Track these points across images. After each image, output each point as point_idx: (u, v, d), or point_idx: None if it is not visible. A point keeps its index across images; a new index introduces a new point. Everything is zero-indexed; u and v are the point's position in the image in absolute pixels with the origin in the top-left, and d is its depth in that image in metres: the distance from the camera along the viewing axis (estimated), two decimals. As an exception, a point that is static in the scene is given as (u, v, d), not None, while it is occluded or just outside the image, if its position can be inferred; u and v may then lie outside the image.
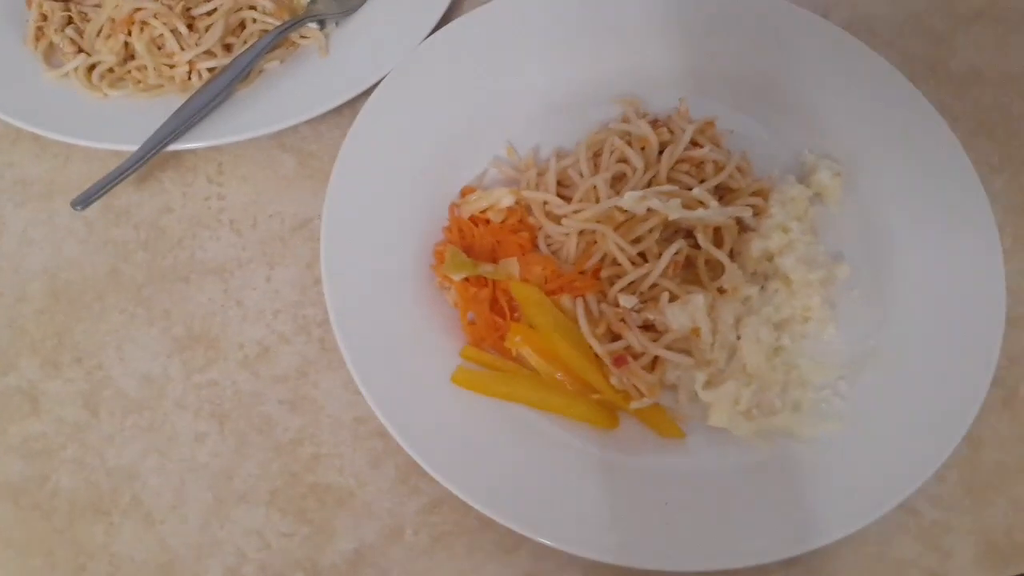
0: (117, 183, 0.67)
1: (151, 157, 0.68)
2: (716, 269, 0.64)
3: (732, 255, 0.64)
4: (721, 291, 0.63)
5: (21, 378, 0.62)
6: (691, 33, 0.75)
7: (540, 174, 0.67)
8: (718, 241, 0.64)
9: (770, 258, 0.64)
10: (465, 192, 0.68)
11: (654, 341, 0.60)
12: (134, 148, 0.68)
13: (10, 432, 0.60)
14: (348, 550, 0.57)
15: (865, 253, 0.67)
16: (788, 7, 0.76)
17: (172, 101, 0.70)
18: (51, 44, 0.73)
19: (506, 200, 0.65)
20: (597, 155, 0.67)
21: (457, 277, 0.62)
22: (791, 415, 0.60)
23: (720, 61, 0.74)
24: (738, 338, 0.61)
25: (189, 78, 0.72)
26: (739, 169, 0.66)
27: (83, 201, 0.65)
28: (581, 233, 0.64)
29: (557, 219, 0.65)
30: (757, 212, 0.65)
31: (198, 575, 0.56)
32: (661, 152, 0.66)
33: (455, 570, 0.57)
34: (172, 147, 0.68)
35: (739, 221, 0.65)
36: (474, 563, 0.57)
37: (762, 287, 0.64)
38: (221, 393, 0.62)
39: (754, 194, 0.66)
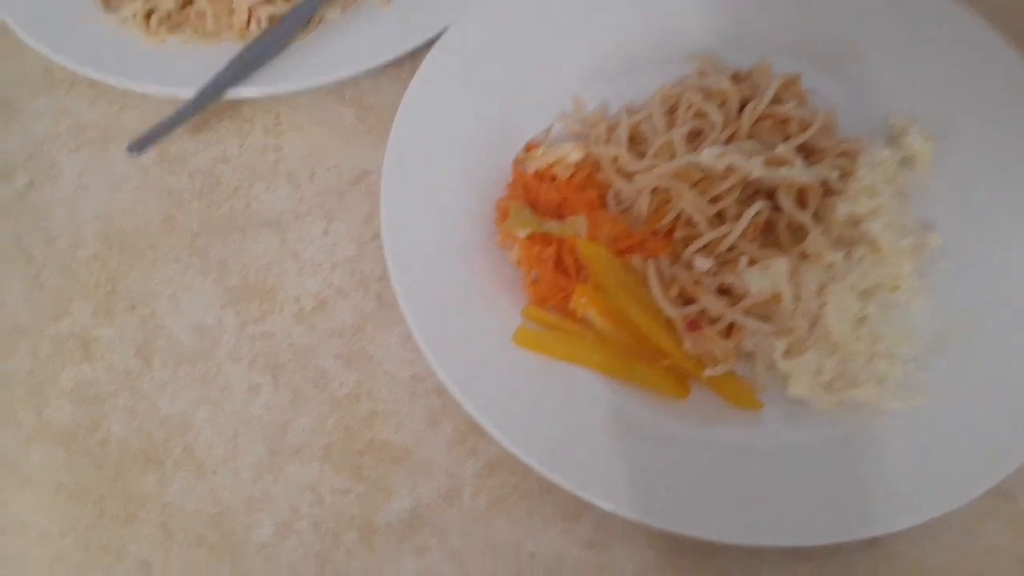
0: (173, 129, 0.65)
1: (208, 104, 0.66)
2: (798, 233, 0.60)
3: (816, 219, 0.60)
4: (804, 256, 0.59)
5: (74, 323, 0.61)
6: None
7: (610, 129, 0.64)
8: (801, 203, 0.60)
9: (856, 223, 0.60)
10: (530, 147, 0.65)
11: (731, 306, 0.57)
12: (191, 95, 0.66)
13: (62, 377, 0.59)
14: (404, 509, 0.55)
15: (957, 223, 0.63)
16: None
17: (230, 48, 0.68)
18: (110, -12, 0.71)
19: (574, 155, 0.62)
20: (672, 110, 0.64)
21: (521, 234, 0.59)
22: (876, 388, 0.56)
23: (800, 17, 0.70)
24: (822, 306, 0.58)
25: (248, 25, 0.70)
26: (825, 128, 0.62)
27: (138, 146, 0.63)
28: (654, 191, 0.60)
29: (628, 176, 0.62)
30: (844, 174, 0.61)
31: (249, 528, 0.54)
32: (742, 108, 0.63)
33: (514, 535, 0.54)
34: (229, 95, 0.66)
35: (824, 183, 0.61)
36: (533, 528, 0.54)
37: (847, 254, 0.59)
38: (276, 345, 0.60)
39: (841, 155, 0.62)
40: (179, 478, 0.56)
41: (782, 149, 0.59)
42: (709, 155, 0.58)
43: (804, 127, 0.62)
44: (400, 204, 0.61)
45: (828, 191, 0.61)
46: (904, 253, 0.58)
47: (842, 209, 0.60)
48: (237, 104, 0.70)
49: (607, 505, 0.51)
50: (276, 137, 0.69)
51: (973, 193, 0.63)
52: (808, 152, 0.62)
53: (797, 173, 0.59)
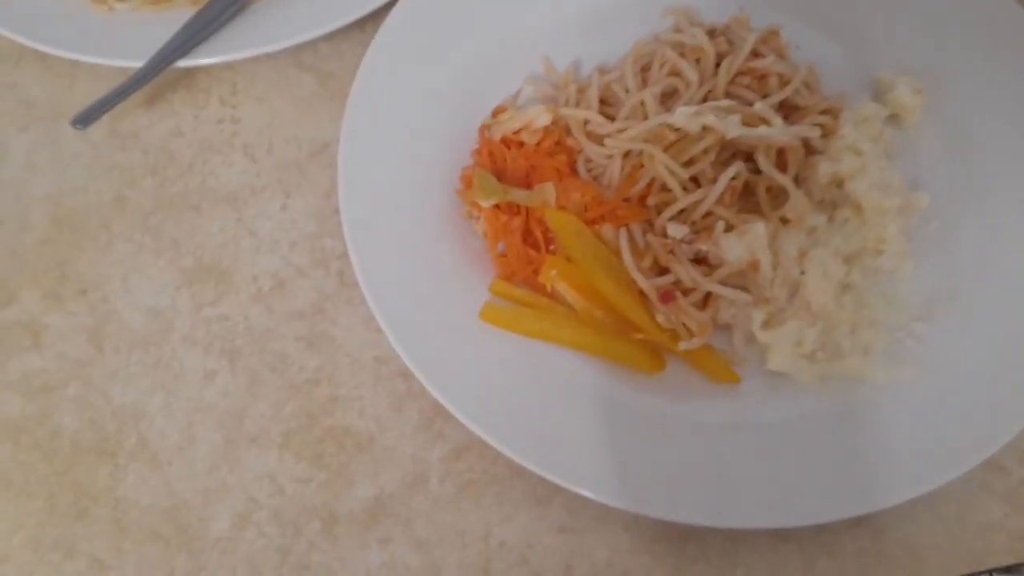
0: (121, 100, 0.62)
1: (158, 73, 0.62)
2: (778, 196, 0.57)
3: (797, 181, 0.57)
4: (784, 221, 0.56)
5: (22, 311, 0.58)
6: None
7: (580, 91, 0.61)
8: (781, 164, 0.57)
9: (840, 184, 0.57)
10: (497, 112, 0.61)
11: (707, 276, 0.54)
12: (141, 65, 0.62)
13: (9, 368, 0.57)
14: (368, 498, 0.52)
15: (946, 181, 0.59)
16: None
17: (182, 14, 0.65)
18: (54, -46, 0.68)
19: (542, 119, 0.58)
20: (645, 69, 0.60)
21: (486, 203, 0.56)
22: (860, 359, 0.53)
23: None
24: (802, 273, 0.54)
25: (200, -10, 0.66)
26: (806, 84, 0.59)
27: (84, 119, 0.60)
28: (626, 155, 0.57)
29: (599, 139, 0.58)
30: (826, 133, 0.58)
31: (206, 521, 0.52)
32: (718, 66, 0.59)
33: (483, 521, 0.52)
34: (182, 63, 0.63)
35: (805, 143, 0.57)
36: (503, 514, 0.52)
37: (830, 217, 0.56)
38: (232, 328, 0.57)
39: (823, 112, 0.59)
40: (132, 470, 0.53)
41: (760, 107, 0.56)
42: (683, 115, 0.55)
43: (784, 83, 0.58)
44: (359, 176, 0.57)
45: (810, 151, 0.58)
46: (889, 214, 0.55)
47: (824, 169, 0.57)
48: (192, 73, 0.66)
49: (580, 490, 0.49)
50: (233, 108, 0.65)
51: (964, 150, 0.60)
52: (788, 110, 0.59)
53: (776, 132, 0.55)
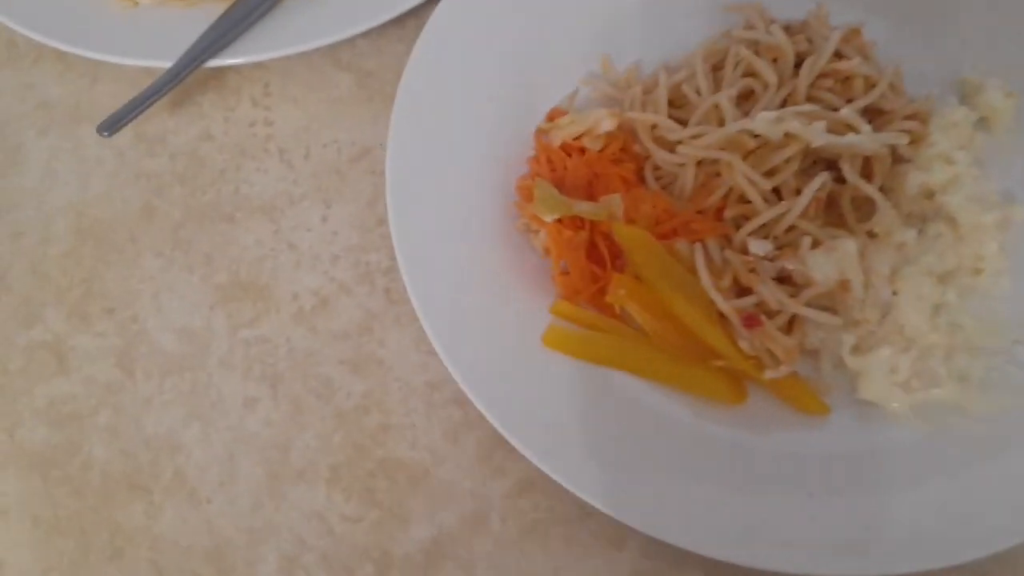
0: (149, 105, 0.57)
1: (187, 75, 0.58)
2: (864, 208, 0.52)
3: (883, 191, 0.53)
4: (871, 235, 0.52)
5: (47, 331, 0.54)
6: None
7: (646, 92, 0.56)
8: (867, 174, 0.53)
9: (930, 195, 0.53)
10: (553, 115, 0.57)
11: (792, 296, 0.50)
12: (167, 65, 0.58)
13: (36, 393, 0.53)
14: (425, 539, 0.48)
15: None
16: None
17: (211, 10, 0.60)
18: (73, -56, 0.63)
19: (606, 123, 0.54)
20: (717, 68, 0.56)
21: (548, 218, 0.51)
22: (958, 387, 0.49)
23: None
24: (894, 293, 0.50)
25: (232, -17, 0.62)
26: (892, 87, 0.54)
27: (110, 126, 0.56)
28: (700, 163, 0.53)
29: (670, 146, 0.54)
30: (914, 139, 0.53)
31: (252, 564, 0.48)
32: (798, 66, 0.54)
33: (550, 566, 0.48)
34: (211, 63, 0.59)
35: (892, 150, 0.53)
36: (573, 558, 0.48)
37: (920, 231, 0.52)
38: (273, 351, 0.53)
39: (909, 117, 0.54)
40: (169, 507, 0.49)
41: (847, 112, 0.51)
42: (764, 120, 0.51)
43: (870, 86, 0.53)
44: (408, 185, 0.53)
45: (896, 159, 0.53)
46: (988, 230, 0.51)
47: (914, 180, 0.52)
48: (221, 73, 0.62)
49: (655, 532, 0.45)
50: (266, 109, 0.61)
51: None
52: (873, 115, 0.54)
53: (864, 140, 0.51)
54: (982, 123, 0.56)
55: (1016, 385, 0.49)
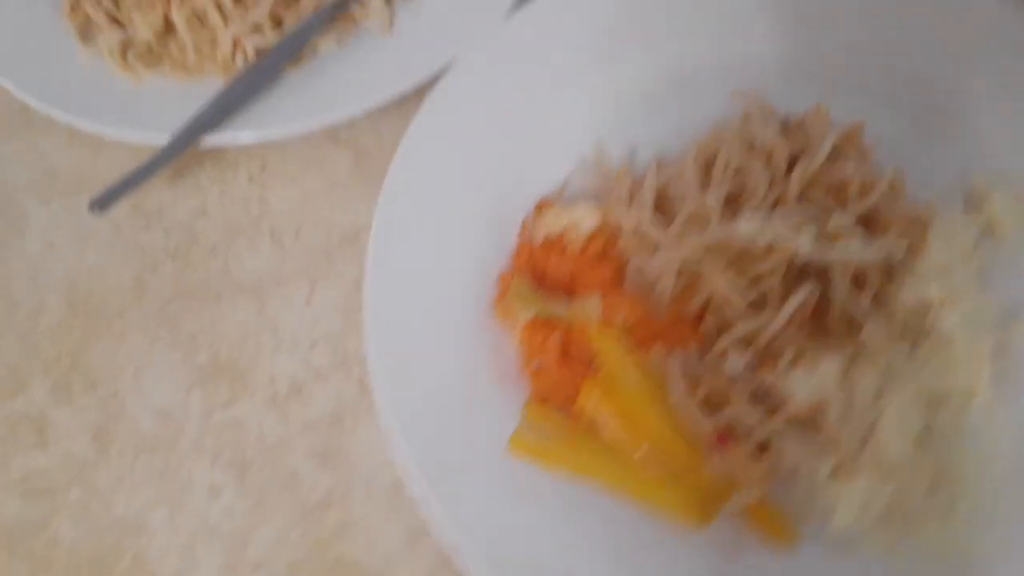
0: (142, 181, 0.58)
1: (182, 151, 0.59)
2: (853, 322, 0.50)
3: (875, 302, 0.50)
4: (858, 350, 0.49)
5: (30, 403, 0.55)
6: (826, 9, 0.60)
7: (635, 187, 0.55)
8: (859, 284, 0.50)
9: (927, 310, 0.50)
10: (541, 206, 0.56)
11: (769, 414, 0.48)
12: (165, 141, 0.59)
13: (12, 466, 0.53)
14: (374, 646, 0.48)
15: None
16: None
17: (213, 85, 0.61)
18: (87, 17, 0.65)
19: (589, 220, 0.53)
20: (710, 165, 0.54)
21: (522, 316, 0.50)
22: (940, 524, 0.46)
23: (862, 45, 0.59)
24: (879, 416, 0.48)
25: (233, 59, 0.62)
26: (892, 190, 0.52)
27: (102, 202, 0.57)
28: (681, 268, 0.51)
29: (652, 248, 0.52)
30: (912, 249, 0.51)
31: (201, 658, 0.48)
32: (791, 166, 0.52)
33: None
34: (209, 141, 0.59)
35: (887, 260, 0.50)
36: (523, 677, 0.46)
37: (912, 348, 0.49)
38: (244, 437, 0.53)
39: (908, 224, 0.51)
40: (127, 592, 0.50)
41: (839, 220, 0.49)
42: (749, 226, 0.49)
43: (865, 191, 0.51)
44: (388, 271, 0.53)
45: (892, 269, 0.51)
46: (984, 355, 0.48)
47: (909, 293, 0.50)
48: (220, 148, 0.62)
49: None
50: (261, 187, 0.61)
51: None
52: (868, 220, 0.52)
53: (856, 250, 0.49)
54: (989, 231, 0.54)
55: (1004, 523, 0.46)
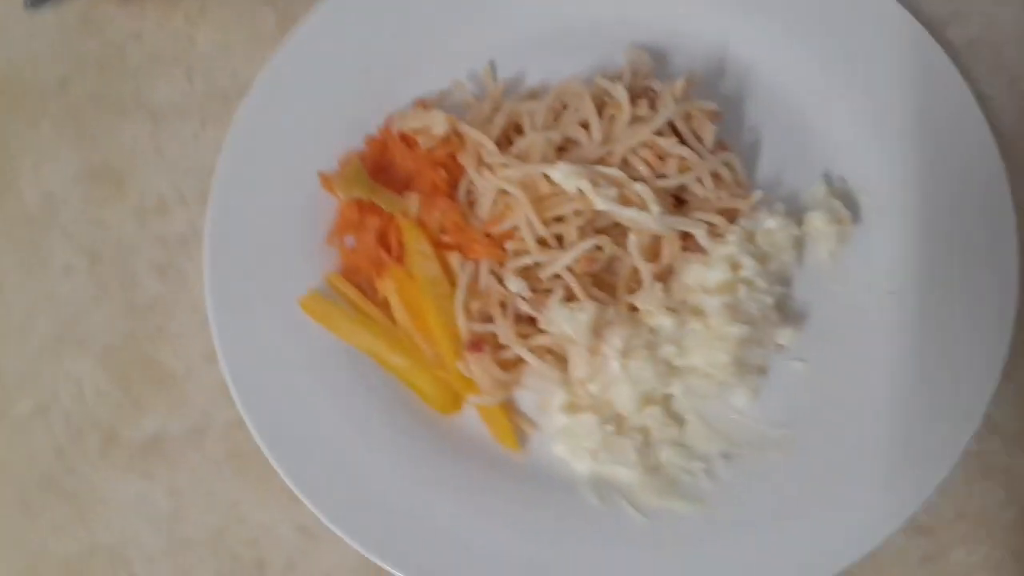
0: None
1: (125, -25, 0.64)
2: (640, 283, 0.54)
3: (666, 273, 0.54)
4: (633, 309, 0.53)
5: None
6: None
7: (494, 110, 0.59)
8: (655, 252, 0.54)
9: (708, 291, 0.53)
10: (418, 103, 0.60)
11: (525, 337, 0.52)
12: (115, -39, 0.65)
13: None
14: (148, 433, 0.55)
15: (843, 321, 0.55)
16: None
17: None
18: None
19: (439, 126, 0.57)
20: (560, 111, 0.57)
21: (343, 194, 0.55)
22: (641, 475, 0.51)
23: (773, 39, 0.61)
24: (623, 368, 0.52)
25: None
26: (715, 176, 0.55)
27: (34, 2, 0.63)
28: (502, 192, 0.55)
29: (488, 168, 0.56)
30: (715, 233, 0.54)
31: (11, 402, 0.56)
32: (637, 128, 0.55)
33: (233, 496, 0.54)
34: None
35: (687, 236, 0.54)
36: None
37: (681, 322, 0.53)
38: (105, 235, 0.60)
39: (721, 211, 0.54)
40: (-24, 339, 0.58)
41: (640, 188, 0.52)
42: (561, 171, 0.53)
43: (683, 170, 0.54)
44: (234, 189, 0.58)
45: (694, 247, 0.54)
46: (729, 342, 0.51)
47: (694, 272, 0.53)
48: (171, -21, 0.68)
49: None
50: (192, 26, 0.67)
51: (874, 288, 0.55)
52: (690, 197, 0.55)
53: (648, 219, 0.52)
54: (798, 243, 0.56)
55: (695, 496, 0.50)
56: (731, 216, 0.55)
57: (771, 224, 0.54)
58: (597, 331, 0.51)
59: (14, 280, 0.59)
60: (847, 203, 0.56)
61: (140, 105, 0.64)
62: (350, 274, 0.56)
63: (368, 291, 0.56)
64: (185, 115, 0.64)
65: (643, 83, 0.57)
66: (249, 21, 0.67)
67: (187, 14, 0.67)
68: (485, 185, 0.55)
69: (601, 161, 0.55)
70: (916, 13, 0.63)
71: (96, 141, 0.63)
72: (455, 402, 0.53)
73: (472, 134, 0.56)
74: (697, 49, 0.61)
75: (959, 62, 0.61)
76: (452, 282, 0.55)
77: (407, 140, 0.58)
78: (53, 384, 0.57)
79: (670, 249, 0.54)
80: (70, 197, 0.62)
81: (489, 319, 0.53)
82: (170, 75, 0.65)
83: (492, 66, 0.62)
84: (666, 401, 0.52)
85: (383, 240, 0.56)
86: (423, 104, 0.60)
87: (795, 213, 0.56)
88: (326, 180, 0.56)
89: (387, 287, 0.55)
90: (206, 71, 0.65)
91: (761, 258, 0.54)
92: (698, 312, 0.53)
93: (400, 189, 0.57)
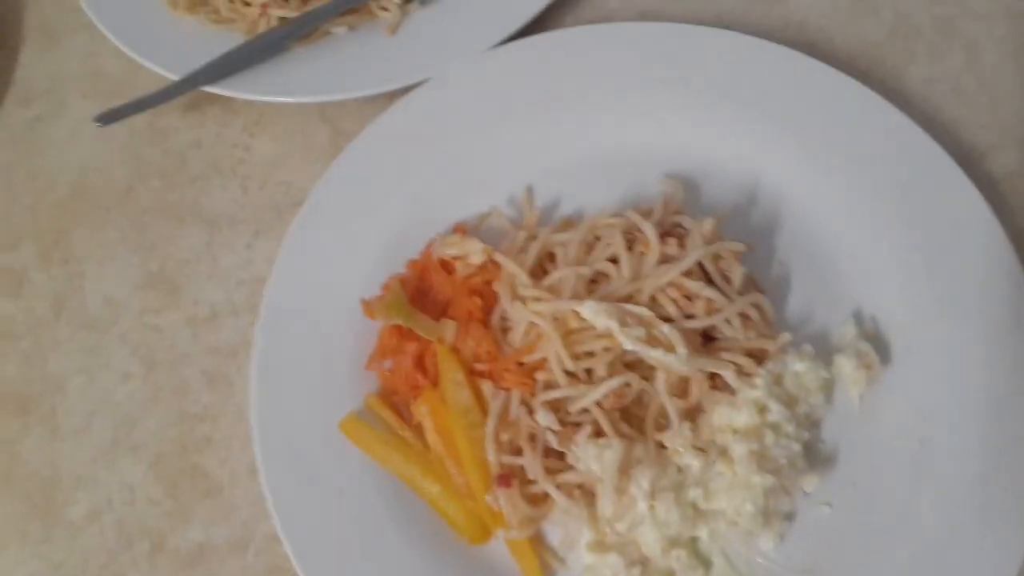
0: (143, 111, 0.68)
1: (185, 93, 0.68)
2: (668, 420, 0.55)
3: (694, 412, 0.55)
4: (661, 447, 0.55)
5: (16, 259, 0.68)
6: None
7: (530, 239, 0.61)
8: (683, 388, 0.55)
9: (734, 434, 0.54)
10: (457, 229, 0.63)
11: (554, 472, 0.54)
12: (175, 78, 0.68)
13: (-13, 307, 0.67)
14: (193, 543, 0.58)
15: (872, 466, 0.55)
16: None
17: (234, 40, 0.70)
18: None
19: (476, 256, 0.59)
20: (593, 245, 0.59)
21: (381, 320, 0.58)
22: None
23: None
24: (650, 508, 0.53)
25: (259, 20, 0.71)
26: (744, 317, 0.56)
27: (107, 118, 0.67)
28: (533, 324, 0.57)
29: (520, 298, 0.58)
30: (744, 374, 0.55)
31: (68, 504, 0.60)
32: (667, 267, 0.57)
33: None
34: (207, 89, 0.68)
35: (715, 378, 0.55)
36: None
37: (707, 462, 0.54)
38: (160, 341, 0.64)
39: (749, 353, 0.55)
40: (34, 434, 0.62)
41: (666, 329, 0.54)
42: (590, 308, 0.54)
43: (709, 312, 0.55)
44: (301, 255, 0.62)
45: (722, 387, 0.55)
46: (755, 490, 0.52)
47: (722, 414, 0.54)
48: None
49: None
50: (250, 137, 0.71)
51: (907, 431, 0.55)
52: (717, 337, 0.56)
53: (673, 360, 0.53)
54: (843, 381, 0.57)
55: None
56: (759, 357, 0.55)
57: (799, 367, 0.55)
58: (624, 469, 0.53)
59: (77, 383, 0.63)
60: (878, 344, 0.57)
61: (197, 213, 0.68)
62: (388, 395, 0.59)
63: (405, 413, 0.58)
64: (240, 223, 0.67)
65: (673, 219, 0.59)
66: (303, 134, 0.70)
67: (245, 124, 0.71)
68: (518, 316, 0.57)
69: (630, 298, 0.56)
70: (956, 143, 0.63)
71: (155, 248, 0.67)
72: (484, 533, 0.55)
73: (508, 266, 0.58)
74: (729, 177, 0.63)
75: (995, 193, 0.62)
76: (484, 410, 0.56)
77: (446, 266, 0.61)
78: (107, 489, 0.60)
79: (698, 388, 0.55)
80: (130, 304, 0.65)
81: (518, 451, 0.55)
82: (226, 183, 0.69)
83: (530, 190, 0.64)
84: (692, 543, 0.53)
85: (420, 364, 0.58)
86: (462, 230, 0.62)
87: (825, 353, 0.57)
88: (367, 306, 0.58)
89: (421, 412, 0.57)
90: (260, 181, 0.69)
91: (789, 401, 0.55)
92: (725, 453, 0.54)
93: (438, 313, 0.59)
